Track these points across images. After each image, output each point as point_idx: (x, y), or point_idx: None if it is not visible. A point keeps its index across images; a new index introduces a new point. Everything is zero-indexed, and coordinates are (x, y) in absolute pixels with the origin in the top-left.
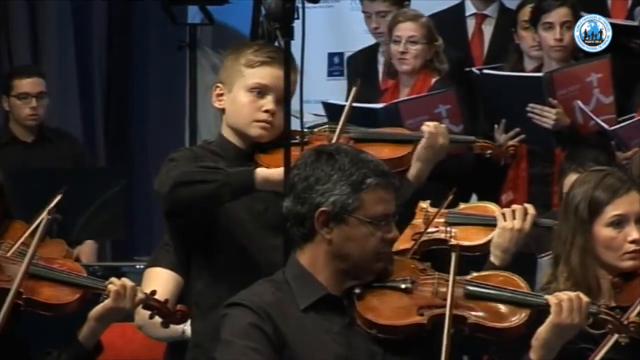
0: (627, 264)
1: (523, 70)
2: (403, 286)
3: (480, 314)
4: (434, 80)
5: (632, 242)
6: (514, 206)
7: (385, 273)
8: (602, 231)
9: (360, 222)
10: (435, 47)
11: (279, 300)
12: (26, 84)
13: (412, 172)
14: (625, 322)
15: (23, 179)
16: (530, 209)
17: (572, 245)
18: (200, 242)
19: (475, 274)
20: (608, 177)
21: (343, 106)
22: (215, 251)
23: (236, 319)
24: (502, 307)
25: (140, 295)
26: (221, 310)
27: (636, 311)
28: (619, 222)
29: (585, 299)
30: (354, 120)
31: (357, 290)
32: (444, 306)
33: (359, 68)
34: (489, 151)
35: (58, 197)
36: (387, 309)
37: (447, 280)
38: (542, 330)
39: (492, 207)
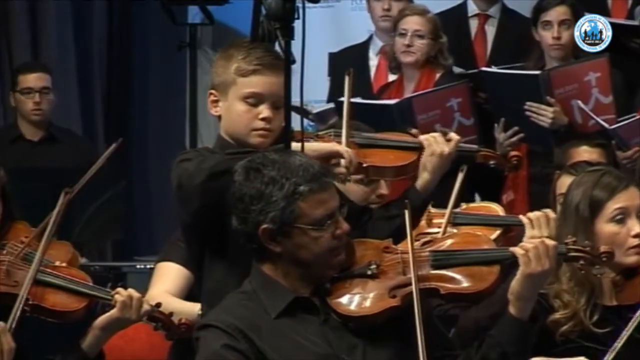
0: (632, 259)
1: (545, 67)
2: (369, 272)
3: (451, 282)
4: (438, 75)
5: (636, 236)
6: (536, 213)
7: (348, 262)
8: (605, 227)
9: (303, 230)
10: (439, 44)
11: (250, 311)
12: (30, 79)
13: (419, 181)
14: (597, 254)
15: (23, 178)
16: (551, 213)
17: None
18: (214, 239)
19: (437, 242)
20: (605, 176)
21: (353, 103)
22: (227, 249)
23: (209, 343)
24: (472, 269)
25: (146, 307)
26: (194, 334)
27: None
28: (621, 217)
29: (550, 242)
30: (366, 118)
31: (326, 286)
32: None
33: (349, 65)
34: (492, 161)
35: (65, 198)
36: (360, 300)
37: (409, 255)
38: (515, 284)
39: (495, 207)
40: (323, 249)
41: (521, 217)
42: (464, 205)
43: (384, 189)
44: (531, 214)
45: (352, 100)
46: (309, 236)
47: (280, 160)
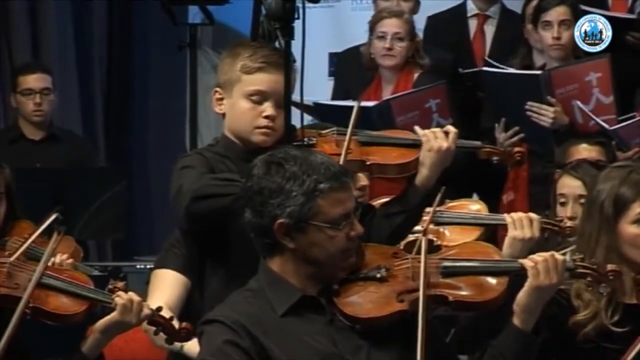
0: None
1: (532, 65)
2: (378, 275)
3: (460, 290)
4: (416, 75)
5: None
6: (519, 214)
7: (357, 265)
8: (628, 229)
9: (319, 228)
10: (415, 44)
11: (256, 309)
12: (30, 80)
13: (418, 178)
14: (604, 272)
15: (23, 178)
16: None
17: (597, 244)
18: (214, 245)
19: (446, 251)
20: (633, 174)
21: (333, 106)
22: (228, 252)
23: (211, 337)
24: (480, 279)
25: (146, 311)
26: (198, 328)
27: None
28: None
29: (560, 257)
30: (345, 121)
31: (334, 287)
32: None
33: (353, 65)
34: (496, 157)
35: (59, 237)
36: (367, 302)
37: (421, 262)
38: (522, 296)
39: (473, 206)
40: (337, 248)
41: (505, 216)
42: (448, 203)
43: (364, 181)
44: (514, 215)
45: (333, 103)
46: (324, 234)
47: (301, 157)
